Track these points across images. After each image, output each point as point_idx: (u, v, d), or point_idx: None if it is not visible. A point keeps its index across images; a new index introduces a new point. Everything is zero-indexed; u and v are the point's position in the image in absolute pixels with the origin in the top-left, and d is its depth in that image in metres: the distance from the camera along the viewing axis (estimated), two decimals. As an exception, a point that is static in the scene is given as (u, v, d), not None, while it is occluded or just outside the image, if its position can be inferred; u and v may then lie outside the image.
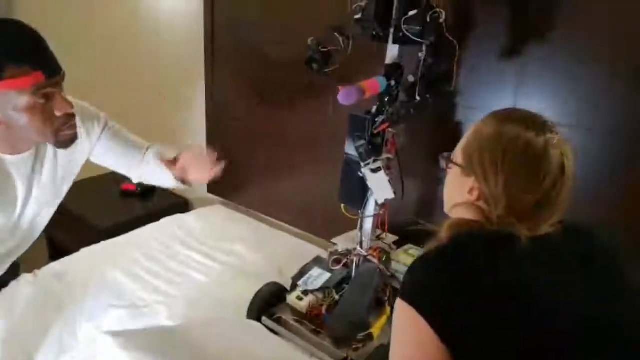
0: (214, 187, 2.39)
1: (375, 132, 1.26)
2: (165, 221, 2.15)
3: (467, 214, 0.95)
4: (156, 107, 2.59)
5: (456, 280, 0.82)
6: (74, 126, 1.14)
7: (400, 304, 0.82)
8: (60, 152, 1.25)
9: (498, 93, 1.49)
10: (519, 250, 0.83)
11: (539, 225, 0.87)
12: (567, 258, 0.89)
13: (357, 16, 1.29)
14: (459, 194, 0.96)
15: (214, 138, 2.31)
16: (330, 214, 1.84)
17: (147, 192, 2.56)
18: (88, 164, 1.40)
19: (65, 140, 1.13)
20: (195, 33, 2.19)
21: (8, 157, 1.14)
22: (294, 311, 1.48)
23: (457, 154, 0.98)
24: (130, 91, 2.69)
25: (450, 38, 1.18)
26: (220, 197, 2.39)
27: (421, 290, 0.82)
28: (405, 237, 1.67)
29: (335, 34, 1.32)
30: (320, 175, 1.96)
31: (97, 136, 1.34)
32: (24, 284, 1.54)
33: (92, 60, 2.83)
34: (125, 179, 2.55)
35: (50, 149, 1.23)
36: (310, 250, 1.97)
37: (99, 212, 2.34)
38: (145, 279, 1.71)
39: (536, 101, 1.43)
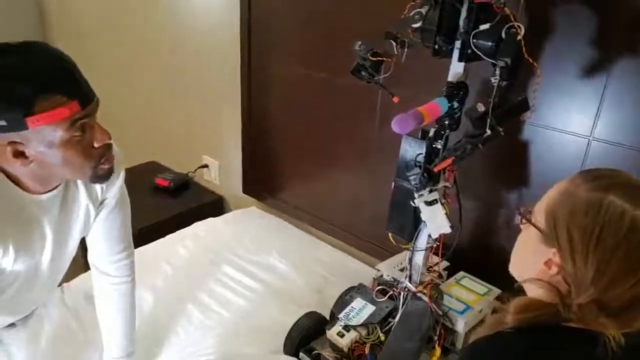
0: (250, 187, 2.27)
1: (436, 169, 1.09)
2: (196, 227, 2.05)
3: (538, 291, 0.78)
4: (190, 107, 2.47)
5: None
6: (112, 157, 1.02)
7: None
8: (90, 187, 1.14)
9: (575, 112, 1.28)
10: (606, 358, 0.67)
11: (632, 322, 0.69)
12: None
13: (416, 25, 1.11)
14: (532, 262, 0.79)
15: (251, 138, 2.18)
16: (375, 229, 1.71)
17: (181, 187, 2.47)
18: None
19: (103, 174, 1.01)
20: (231, 32, 2.04)
21: (35, 197, 1.00)
22: (334, 347, 1.36)
23: (538, 213, 0.80)
24: (163, 94, 2.60)
25: (531, 60, 0.98)
26: (255, 198, 2.27)
27: None
28: (457, 262, 1.52)
29: (390, 40, 1.15)
30: (368, 185, 1.80)
31: (114, 192, 1.20)
32: (51, 304, 1.47)
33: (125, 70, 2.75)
34: (159, 171, 2.53)
35: (80, 184, 1.11)
36: (353, 267, 1.85)
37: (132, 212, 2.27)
38: (173, 302, 1.61)
39: (620, 122, 1.23)
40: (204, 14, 2.19)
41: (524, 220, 0.83)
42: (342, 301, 1.45)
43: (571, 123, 1.30)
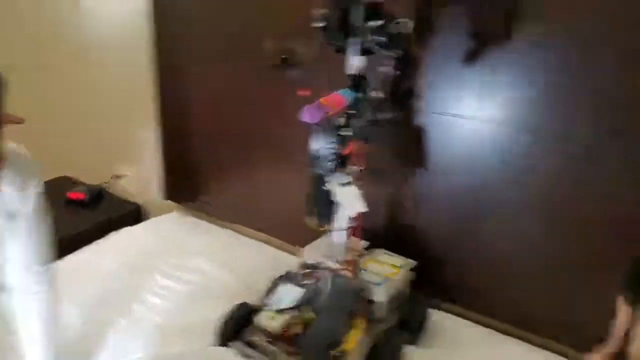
0: (171, 192, 2.26)
1: (344, 153, 1.20)
2: (114, 237, 2.02)
3: None
4: (105, 106, 2.41)
5: None
6: None
7: None
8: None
9: (461, 98, 1.46)
10: None
11: None
12: None
13: (320, 24, 1.22)
14: None
15: (169, 142, 2.18)
16: (299, 219, 1.79)
17: (95, 199, 2.41)
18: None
19: None
20: (141, 23, 2.03)
21: None
22: (266, 332, 1.42)
23: None
24: (77, 91, 2.51)
25: (417, 51, 1.12)
26: (177, 203, 2.27)
27: None
28: (376, 241, 1.64)
29: (299, 40, 1.26)
30: (286, 178, 1.89)
31: (29, 203, 1.17)
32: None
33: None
34: (71, 185, 2.44)
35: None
36: (280, 258, 1.92)
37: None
38: (96, 310, 1.59)
39: (498, 105, 1.42)
40: (109, 19, 2.16)
41: None
42: (271, 289, 1.52)
43: (461, 107, 1.47)
